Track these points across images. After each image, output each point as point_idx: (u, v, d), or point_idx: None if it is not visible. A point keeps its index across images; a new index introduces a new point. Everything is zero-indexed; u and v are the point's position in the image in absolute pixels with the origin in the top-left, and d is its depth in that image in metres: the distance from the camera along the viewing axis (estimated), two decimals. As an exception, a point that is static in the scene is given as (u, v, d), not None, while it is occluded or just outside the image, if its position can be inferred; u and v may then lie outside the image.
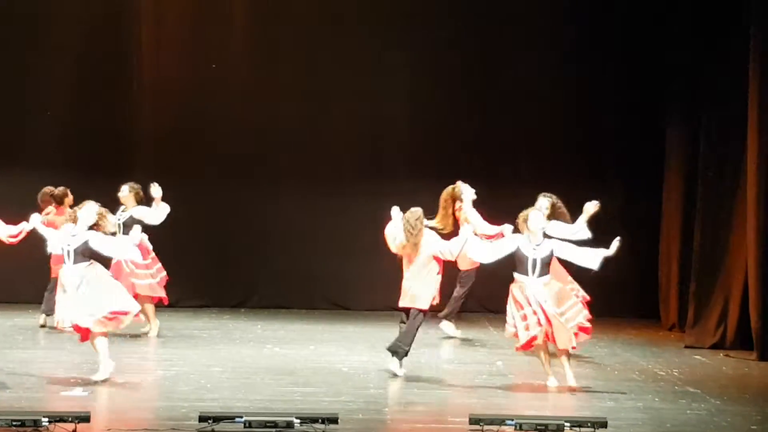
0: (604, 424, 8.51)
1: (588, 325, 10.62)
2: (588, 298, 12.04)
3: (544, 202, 11.90)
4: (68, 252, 10.16)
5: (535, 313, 10.18)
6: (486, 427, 8.48)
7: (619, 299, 15.65)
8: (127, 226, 12.19)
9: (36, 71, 15.52)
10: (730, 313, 13.14)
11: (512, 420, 8.52)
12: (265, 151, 15.79)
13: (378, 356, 11.99)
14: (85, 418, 8.27)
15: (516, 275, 10.35)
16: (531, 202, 11.73)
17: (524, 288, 10.27)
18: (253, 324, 14.26)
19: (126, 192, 12.88)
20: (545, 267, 10.30)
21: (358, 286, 15.73)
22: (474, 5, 15.77)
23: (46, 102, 15.54)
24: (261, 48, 15.86)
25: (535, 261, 10.27)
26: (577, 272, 12.25)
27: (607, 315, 15.35)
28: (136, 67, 15.77)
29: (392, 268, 15.79)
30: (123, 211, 12.81)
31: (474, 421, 8.55)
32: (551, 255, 10.38)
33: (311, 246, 15.80)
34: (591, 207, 11.65)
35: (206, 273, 15.55)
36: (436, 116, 15.91)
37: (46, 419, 8.22)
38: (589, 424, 8.52)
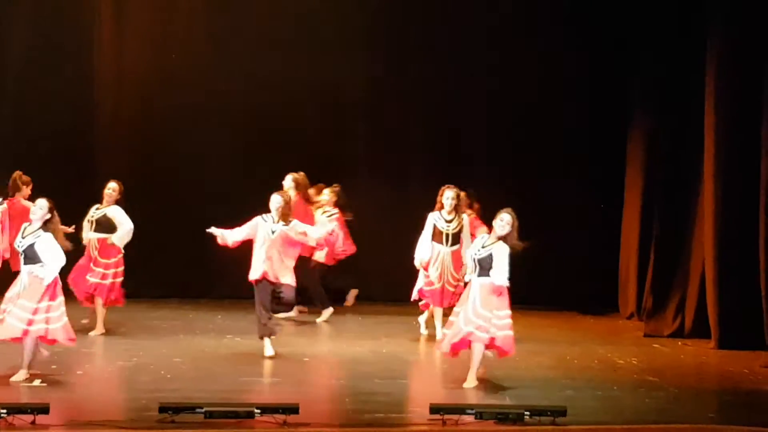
0: (563, 413, 8.57)
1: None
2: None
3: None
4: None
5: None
6: (446, 416, 8.51)
7: (578, 289, 15.78)
8: (99, 224, 12.46)
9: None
10: (687, 303, 13.28)
11: (472, 409, 8.57)
12: (225, 143, 15.78)
13: (339, 346, 12.03)
14: (44, 410, 8.23)
15: None
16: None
17: None
18: (214, 314, 14.23)
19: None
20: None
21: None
22: (443, 6, 15.84)
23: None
24: (221, 41, 15.85)
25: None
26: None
27: (567, 304, 15.49)
28: (96, 61, 15.72)
29: (352, 258, 15.86)
30: (97, 209, 12.66)
31: (435, 410, 8.58)
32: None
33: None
34: None
35: (167, 264, 15.49)
36: (399, 113, 15.98)
37: (5, 411, 8.17)
38: (548, 413, 8.58)
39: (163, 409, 8.37)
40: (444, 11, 15.89)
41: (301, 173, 13.80)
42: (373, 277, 15.70)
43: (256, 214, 11.79)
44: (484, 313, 9.86)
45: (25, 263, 9.79)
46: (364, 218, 15.59)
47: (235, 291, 15.54)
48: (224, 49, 15.83)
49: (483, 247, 10.02)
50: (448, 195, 12.45)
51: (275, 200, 11.52)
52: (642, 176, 14.80)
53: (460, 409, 8.60)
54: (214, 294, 15.55)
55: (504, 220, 10.01)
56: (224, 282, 15.62)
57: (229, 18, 15.91)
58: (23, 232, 9.93)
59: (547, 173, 16.04)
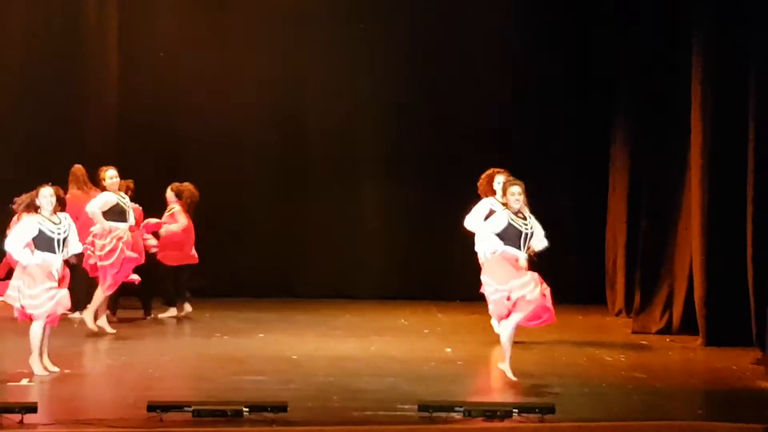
0: (551, 410, 8.58)
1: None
2: None
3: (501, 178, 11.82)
4: (59, 241, 9.96)
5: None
6: (435, 414, 8.52)
7: (566, 285, 15.78)
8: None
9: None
10: (675, 300, 13.30)
11: (461, 407, 8.57)
12: (219, 142, 15.84)
13: (327, 344, 12.02)
14: (32, 409, 8.21)
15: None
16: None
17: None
18: (202, 313, 14.21)
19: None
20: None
21: (307, 273, 15.76)
22: (427, 4, 15.87)
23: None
24: (216, 37, 15.88)
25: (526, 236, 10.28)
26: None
27: (555, 301, 15.49)
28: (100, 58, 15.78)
29: (341, 254, 15.87)
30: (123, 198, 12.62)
31: (423, 408, 8.59)
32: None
33: (259, 234, 15.79)
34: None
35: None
36: (381, 110, 16.02)
37: (-8, 410, 8.16)
38: (536, 410, 8.59)
39: (151, 407, 8.36)
40: (438, 10, 15.90)
41: (79, 165, 13.45)
42: (360, 273, 15.73)
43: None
44: None
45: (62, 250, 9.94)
46: (351, 214, 15.62)
47: (223, 289, 15.62)
48: (225, 48, 15.88)
49: (524, 222, 10.20)
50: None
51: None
52: (628, 171, 14.81)
53: (449, 407, 8.61)
54: (202, 292, 15.51)
55: (516, 193, 10.21)
56: (212, 280, 15.64)
57: (228, 17, 15.94)
58: (58, 221, 9.95)
59: (534, 169, 16.03)
